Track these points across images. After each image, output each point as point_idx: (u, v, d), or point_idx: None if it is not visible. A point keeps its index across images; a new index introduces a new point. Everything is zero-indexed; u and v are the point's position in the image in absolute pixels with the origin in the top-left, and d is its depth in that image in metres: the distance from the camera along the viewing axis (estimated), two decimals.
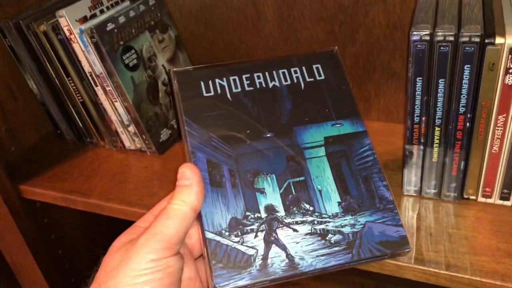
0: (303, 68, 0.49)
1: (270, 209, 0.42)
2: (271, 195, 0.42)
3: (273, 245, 0.40)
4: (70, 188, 0.75)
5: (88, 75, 0.74)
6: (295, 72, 0.49)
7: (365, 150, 0.46)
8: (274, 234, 0.41)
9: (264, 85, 0.48)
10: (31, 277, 0.87)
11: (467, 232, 0.56)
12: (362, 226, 0.42)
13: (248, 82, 0.47)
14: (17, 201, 0.78)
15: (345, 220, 0.42)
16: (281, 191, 0.43)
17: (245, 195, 0.42)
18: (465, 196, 0.61)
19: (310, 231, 0.41)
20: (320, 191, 0.43)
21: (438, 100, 0.55)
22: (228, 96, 0.46)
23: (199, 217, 0.40)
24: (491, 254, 0.53)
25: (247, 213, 0.41)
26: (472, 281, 0.51)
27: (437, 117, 0.56)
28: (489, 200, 0.60)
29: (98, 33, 0.69)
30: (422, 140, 0.58)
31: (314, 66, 0.49)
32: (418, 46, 0.52)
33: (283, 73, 0.49)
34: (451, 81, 0.53)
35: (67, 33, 0.71)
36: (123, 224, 0.45)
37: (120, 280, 0.35)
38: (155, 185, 0.72)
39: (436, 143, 0.58)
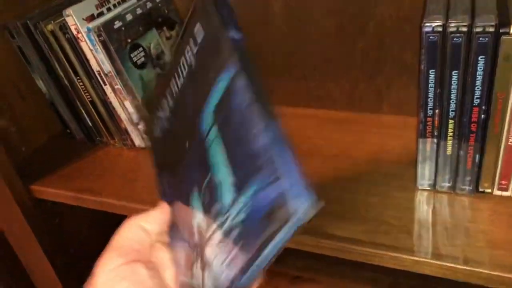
0: (190, 40, 0.38)
1: (199, 229, 0.35)
2: (198, 214, 0.36)
3: (206, 268, 0.34)
4: (81, 187, 0.75)
5: (96, 74, 0.73)
6: (187, 51, 0.38)
7: (239, 97, 0.31)
8: (203, 257, 0.34)
9: (177, 90, 0.40)
10: (44, 276, 0.87)
11: (484, 226, 0.55)
12: (250, 203, 0.30)
13: (169, 97, 0.42)
14: (28, 201, 0.78)
15: (239, 203, 0.31)
16: (202, 203, 0.35)
17: (187, 227, 0.37)
18: (481, 190, 0.60)
19: (221, 237, 0.32)
20: (220, 182, 0.33)
21: (452, 92, 0.54)
22: (166, 124, 0.42)
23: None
24: (510, 248, 0.52)
25: (191, 244, 0.37)
26: (492, 276, 0.50)
27: (450, 109, 0.55)
28: (505, 193, 0.59)
29: (106, 31, 0.69)
30: (435, 133, 0.57)
31: (194, 30, 0.37)
32: (431, 37, 0.51)
33: (182, 61, 0.39)
34: (464, 73, 0.52)
35: (75, 32, 0.70)
36: None
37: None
38: None
39: (450, 136, 0.57)
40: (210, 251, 0.33)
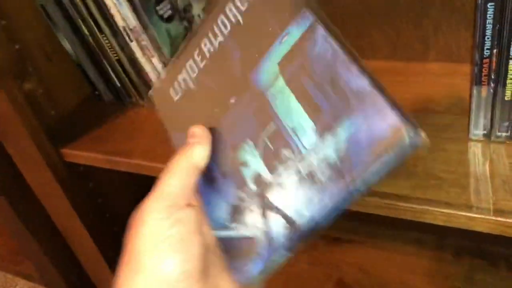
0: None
1: (257, 178, 0.36)
2: (253, 163, 0.36)
3: (270, 214, 0.35)
4: (113, 149, 0.73)
5: (122, 29, 0.70)
6: (230, 10, 0.40)
7: (320, 45, 0.34)
8: (267, 203, 0.35)
9: (212, 49, 0.41)
10: (80, 241, 0.87)
11: None
12: (345, 141, 0.31)
13: (199, 57, 0.42)
14: (60, 165, 0.77)
15: (325, 145, 0.32)
16: (260, 153, 0.36)
17: (233, 177, 0.38)
18: None
19: (298, 181, 0.34)
20: (293, 129, 0.35)
21: None
22: (191, 85, 0.42)
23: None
24: None
25: (240, 194, 0.37)
26: None
27: None
28: None
29: None
30: (492, 77, 0.51)
31: None
32: None
33: (222, 20, 0.40)
34: None
35: None
36: None
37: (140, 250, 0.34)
38: None
39: (510, 79, 0.50)
40: (279, 194, 0.35)
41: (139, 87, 0.77)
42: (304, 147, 0.34)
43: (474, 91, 0.53)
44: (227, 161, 0.38)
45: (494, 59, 0.49)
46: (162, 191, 0.36)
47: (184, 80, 0.42)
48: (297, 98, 0.35)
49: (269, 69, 0.36)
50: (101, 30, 0.72)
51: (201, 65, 0.41)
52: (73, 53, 0.78)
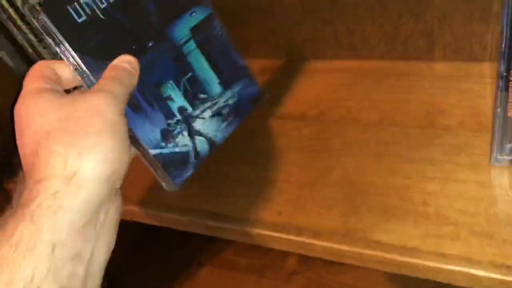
0: None
1: (181, 110, 0.48)
2: (177, 98, 0.48)
3: (196, 136, 0.49)
4: None
5: None
6: None
7: (218, 30, 0.51)
8: (192, 128, 0.48)
9: None
10: None
11: None
12: (237, 94, 0.52)
13: None
14: None
15: (227, 95, 0.51)
16: (181, 91, 0.48)
17: (160, 107, 0.46)
18: None
19: (212, 114, 0.50)
20: (204, 79, 0.50)
21: None
22: (100, 15, 0.43)
23: (136, 141, 0.44)
24: None
25: (168, 121, 0.47)
26: None
27: None
28: None
29: None
30: None
31: None
32: None
33: None
34: None
35: None
36: None
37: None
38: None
39: None
40: (201, 123, 0.49)
41: None
42: (214, 94, 0.50)
43: (498, 110, 0.42)
44: (153, 95, 0.46)
45: None
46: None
47: (88, 5, 0.43)
48: (206, 59, 0.50)
49: (183, 30, 0.49)
50: (40, 40, 0.60)
51: (111, 0, 0.44)
52: (15, 67, 0.67)
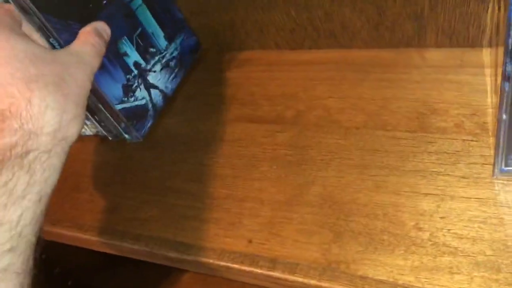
0: None
1: (136, 64, 0.51)
2: (131, 54, 0.50)
3: (151, 89, 0.53)
4: None
5: None
6: None
7: None
8: (147, 81, 0.52)
9: None
10: None
11: None
12: (180, 46, 0.57)
13: None
14: None
15: (172, 48, 0.56)
16: (135, 47, 0.51)
17: (119, 64, 0.49)
18: None
19: (161, 67, 0.55)
20: (152, 33, 0.53)
21: None
22: None
23: (102, 98, 0.47)
24: None
25: (127, 76, 0.50)
26: None
27: None
28: None
29: None
30: None
31: None
32: None
33: None
34: None
35: None
36: None
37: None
38: (117, 192, 0.50)
39: None
40: (154, 77, 0.54)
41: None
42: (161, 47, 0.55)
43: (504, 116, 0.35)
44: (112, 52, 0.48)
45: None
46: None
47: None
48: (152, 14, 0.54)
49: None
50: None
51: None
52: None
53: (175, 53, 0.56)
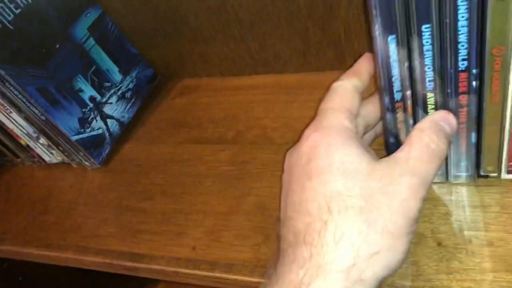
0: None
1: (92, 99, 0.57)
2: (86, 89, 0.57)
3: (107, 119, 0.59)
4: None
5: None
6: None
7: (111, 26, 0.61)
8: (103, 113, 0.58)
9: (26, 2, 0.50)
10: None
11: (493, 233, 0.39)
12: (135, 78, 0.64)
13: (13, 5, 0.49)
14: None
15: (127, 80, 0.62)
16: (89, 83, 0.57)
17: (74, 99, 0.55)
18: (482, 174, 0.43)
19: (117, 99, 0.61)
20: (107, 70, 0.60)
21: (426, 57, 0.36)
22: (9, 26, 0.48)
23: (58, 131, 0.54)
24: None
25: (83, 110, 0.56)
26: None
27: (427, 81, 0.37)
28: None
29: None
30: (410, 121, 0.40)
31: None
32: None
33: None
34: (440, 26, 0.34)
35: None
36: None
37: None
38: (80, 213, 0.56)
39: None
40: (110, 108, 0.60)
41: (9, 145, 0.63)
42: (116, 81, 0.60)
43: (390, 127, 0.42)
44: (66, 90, 0.54)
45: (408, 102, 0.38)
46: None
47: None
48: (105, 52, 0.60)
49: (82, 30, 0.57)
50: None
51: (16, 12, 0.50)
52: None
53: (130, 85, 0.63)
